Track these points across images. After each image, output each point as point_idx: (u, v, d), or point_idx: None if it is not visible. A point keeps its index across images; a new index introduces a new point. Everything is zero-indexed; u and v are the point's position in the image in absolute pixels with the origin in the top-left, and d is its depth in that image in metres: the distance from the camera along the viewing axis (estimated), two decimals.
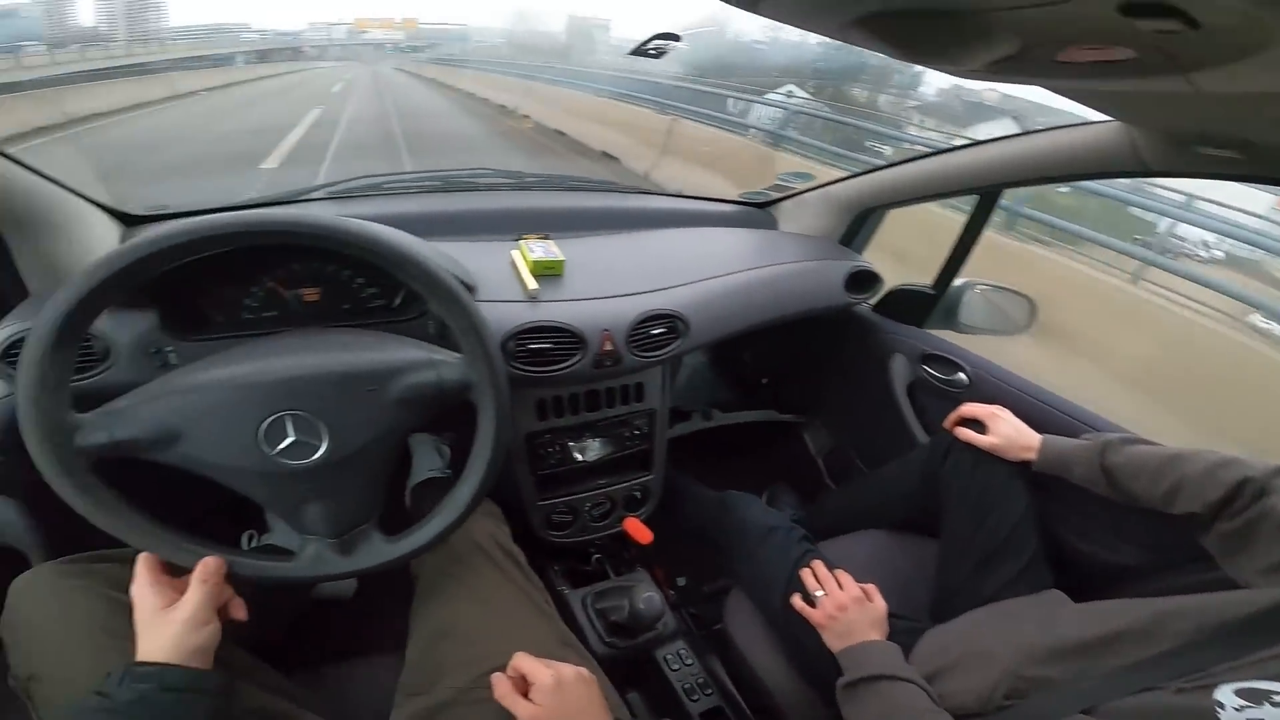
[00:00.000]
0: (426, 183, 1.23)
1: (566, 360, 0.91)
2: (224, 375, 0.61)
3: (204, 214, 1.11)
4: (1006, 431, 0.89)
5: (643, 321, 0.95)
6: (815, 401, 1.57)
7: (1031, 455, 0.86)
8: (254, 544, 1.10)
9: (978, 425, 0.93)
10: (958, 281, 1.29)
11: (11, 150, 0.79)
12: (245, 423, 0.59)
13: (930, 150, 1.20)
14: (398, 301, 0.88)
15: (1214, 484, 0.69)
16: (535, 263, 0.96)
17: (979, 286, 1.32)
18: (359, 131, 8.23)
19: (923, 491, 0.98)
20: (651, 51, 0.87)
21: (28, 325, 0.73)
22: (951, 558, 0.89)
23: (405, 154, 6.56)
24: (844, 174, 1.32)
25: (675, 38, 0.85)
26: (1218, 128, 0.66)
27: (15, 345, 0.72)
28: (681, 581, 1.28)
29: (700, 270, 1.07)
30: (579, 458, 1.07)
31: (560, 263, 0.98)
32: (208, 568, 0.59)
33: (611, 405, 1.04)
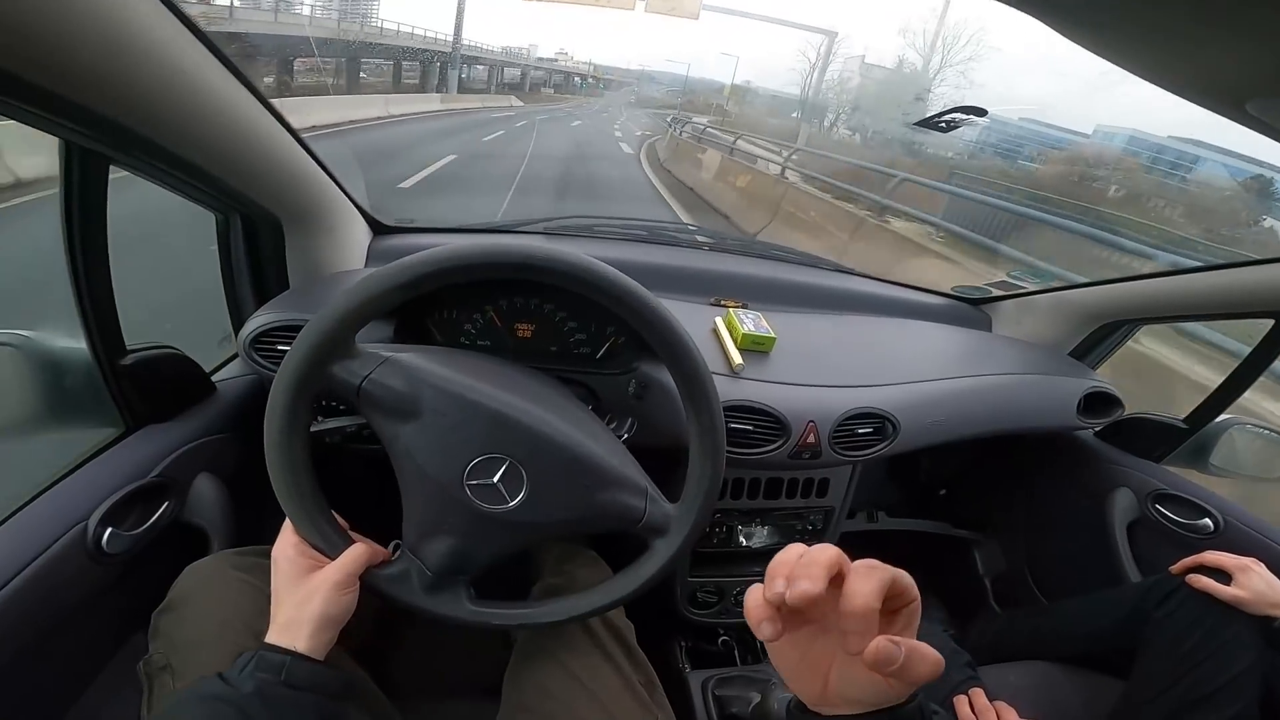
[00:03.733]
0: (632, 231, 1.25)
1: (764, 446, 0.85)
2: (475, 387, 0.58)
3: (448, 232, 1.18)
4: (1258, 586, 0.81)
5: (851, 418, 0.87)
6: (996, 520, 1.38)
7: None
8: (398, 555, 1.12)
9: (1216, 574, 0.86)
10: (1221, 417, 1.11)
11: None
12: (470, 446, 0.57)
13: (1217, 263, 1.00)
14: (601, 354, 0.88)
15: None
16: (744, 335, 0.92)
17: (1247, 426, 1.13)
18: None
19: (1118, 631, 0.91)
20: (943, 125, 0.79)
21: (283, 317, 0.78)
22: (1139, 703, 0.82)
23: None
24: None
25: (981, 112, 0.76)
26: None
27: (267, 334, 0.77)
28: None
29: (914, 370, 0.97)
30: (744, 542, 1.01)
31: (771, 340, 0.92)
32: (374, 551, 0.59)
33: (792, 496, 0.97)
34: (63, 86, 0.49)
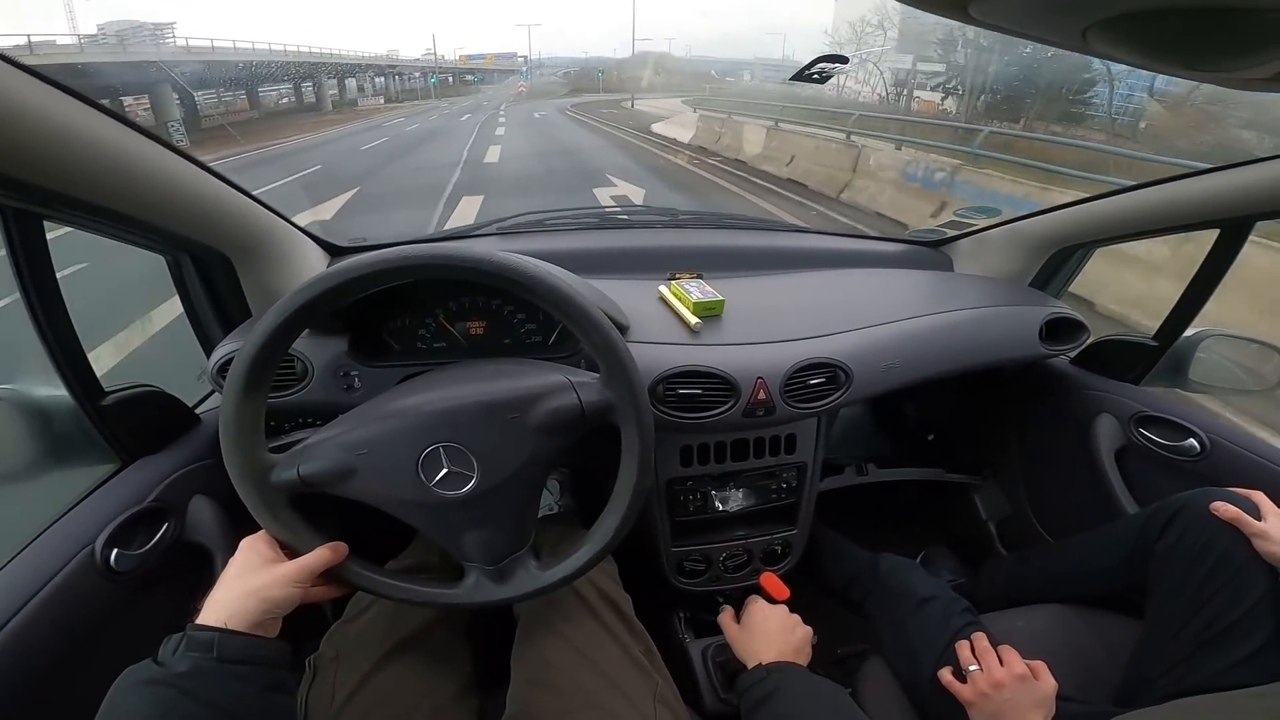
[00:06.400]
0: (584, 220, 1.27)
1: (717, 407, 0.86)
2: (385, 410, 0.63)
3: (402, 246, 1.22)
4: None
5: (800, 370, 0.88)
6: (990, 462, 1.38)
7: None
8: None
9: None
10: (1190, 331, 1.08)
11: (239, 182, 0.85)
12: (406, 456, 0.60)
13: (1160, 179, 0.99)
14: (553, 339, 0.90)
15: None
16: (695, 304, 0.93)
17: (1219, 337, 1.10)
18: None
19: (1127, 566, 0.88)
20: (814, 75, 0.83)
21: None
22: (1160, 639, 0.79)
23: None
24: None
25: (844, 60, 0.80)
26: None
27: (229, 363, 0.81)
28: (813, 640, 1.19)
29: (867, 315, 0.98)
30: (720, 507, 1.02)
31: (720, 303, 0.94)
32: (339, 550, 0.61)
33: (760, 456, 0.98)
34: None
